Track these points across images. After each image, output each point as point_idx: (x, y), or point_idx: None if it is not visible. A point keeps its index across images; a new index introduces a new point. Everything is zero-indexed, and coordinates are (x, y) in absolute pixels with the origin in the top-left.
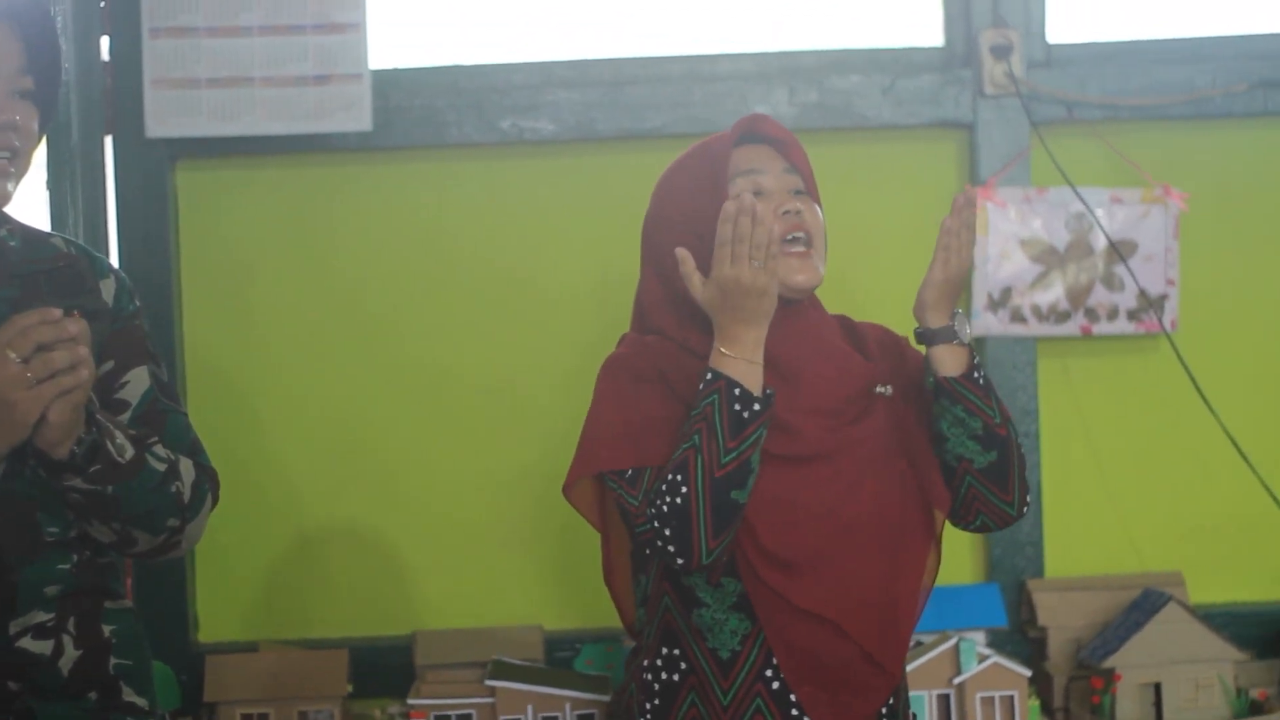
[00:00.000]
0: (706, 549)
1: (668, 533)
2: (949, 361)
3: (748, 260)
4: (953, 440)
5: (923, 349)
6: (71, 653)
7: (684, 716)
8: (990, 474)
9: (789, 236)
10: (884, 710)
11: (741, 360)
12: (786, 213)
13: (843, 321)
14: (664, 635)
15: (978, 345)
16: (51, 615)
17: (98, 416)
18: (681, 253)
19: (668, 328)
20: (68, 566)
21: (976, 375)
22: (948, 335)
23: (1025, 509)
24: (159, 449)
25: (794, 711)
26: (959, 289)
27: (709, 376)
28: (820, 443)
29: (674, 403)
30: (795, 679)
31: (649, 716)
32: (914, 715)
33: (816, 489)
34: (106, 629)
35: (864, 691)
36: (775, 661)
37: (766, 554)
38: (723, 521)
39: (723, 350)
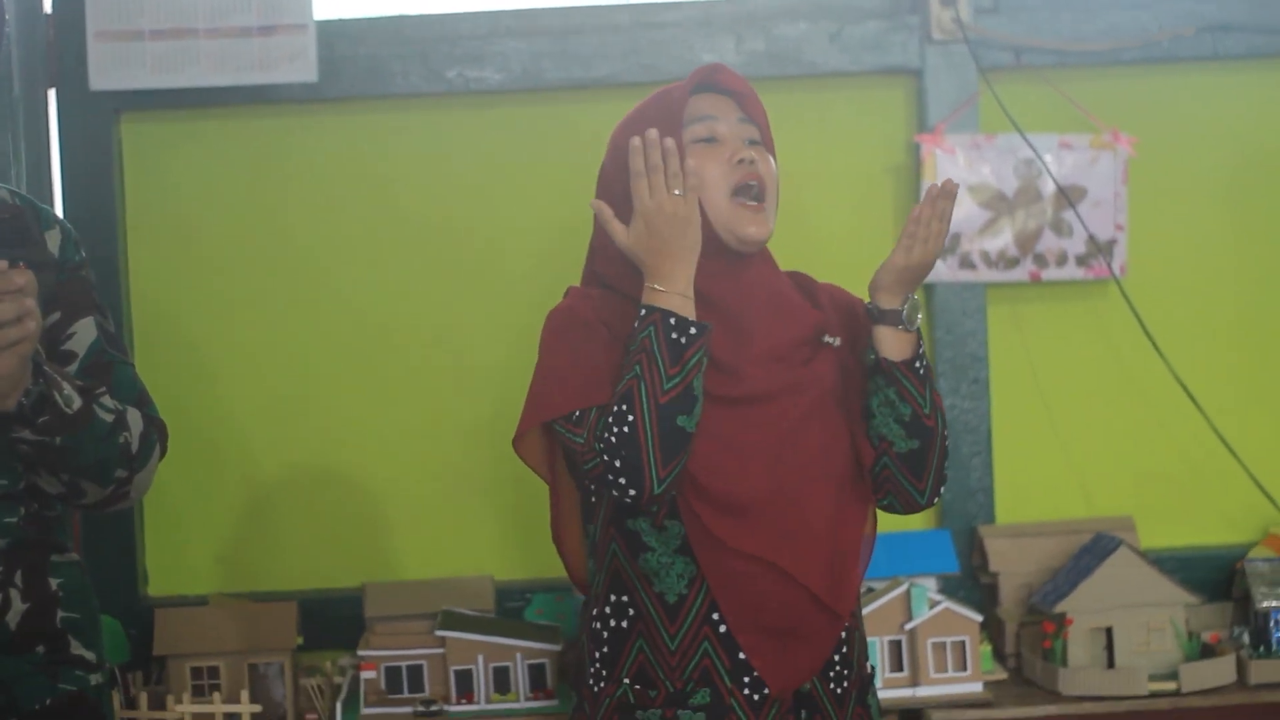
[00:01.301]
0: (657, 477)
1: (617, 463)
2: (892, 344)
3: (665, 189)
4: (879, 419)
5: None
6: (19, 606)
7: (633, 663)
8: (908, 460)
9: (742, 185)
10: (837, 658)
11: (674, 294)
12: (741, 161)
13: (795, 276)
14: (612, 583)
15: (927, 292)
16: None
17: (45, 368)
18: (597, 204)
19: (612, 277)
20: (14, 520)
21: (918, 364)
22: (895, 319)
23: (936, 499)
24: (107, 400)
25: (741, 655)
26: (920, 277)
27: (643, 312)
28: (763, 384)
29: (618, 348)
30: (738, 624)
31: (599, 664)
32: (872, 667)
33: (760, 430)
34: (54, 582)
35: (811, 637)
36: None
37: (707, 497)
38: (671, 448)
39: (655, 287)
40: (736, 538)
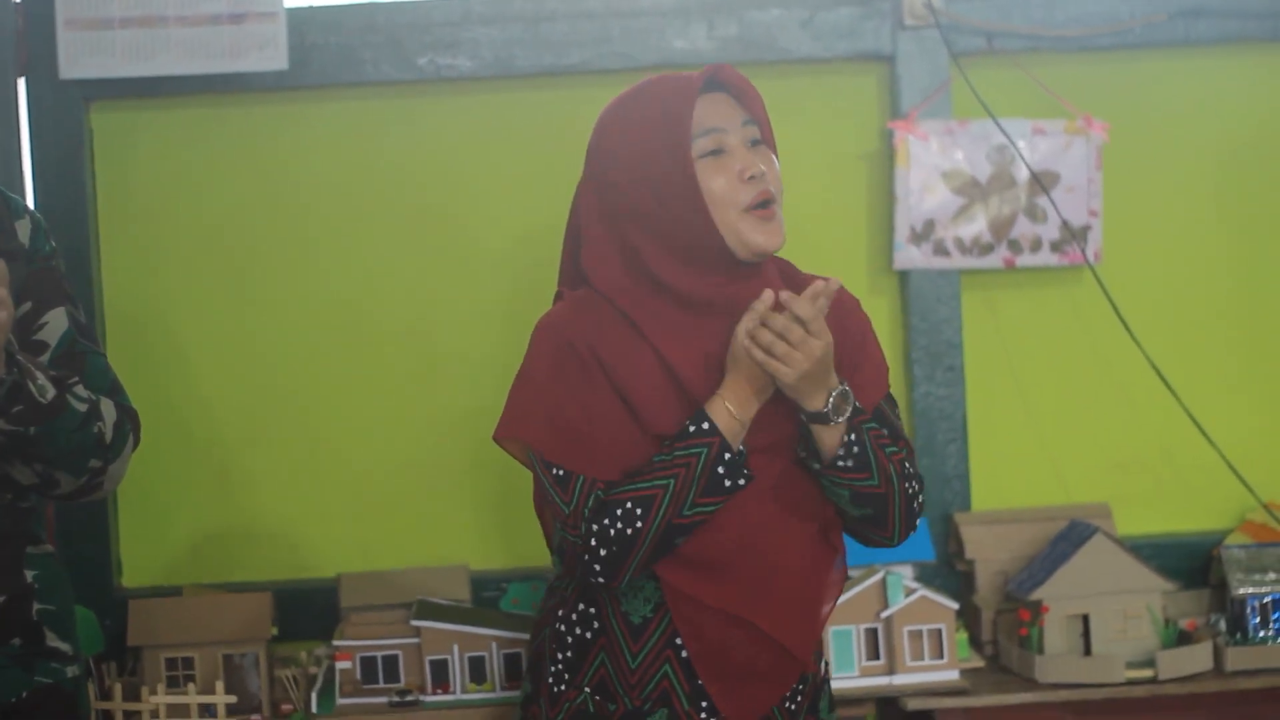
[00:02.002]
0: (630, 579)
1: (602, 553)
2: (825, 439)
3: (792, 350)
4: (827, 490)
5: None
6: None
7: (594, 674)
8: (863, 522)
9: (757, 204)
10: (800, 687)
11: (738, 421)
12: (752, 178)
13: (783, 268)
14: (582, 591)
15: (901, 280)
16: None
17: (19, 357)
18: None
19: (607, 288)
20: None
21: (841, 463)
22: (822, 419)
23: (911, 533)
24: (80, 389)
25: (699, 681)
26: (818, 377)
27: (704, 426)
28: (759, 438)
29: (610, 397)
30: (705, 671)
31: (560, 666)
32: (826, 664)
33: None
34: (29, 574)
35: (770, 681)
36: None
37: (681, 555)
38: (657, 557)
39: (728, 406)
40: (708, 592)
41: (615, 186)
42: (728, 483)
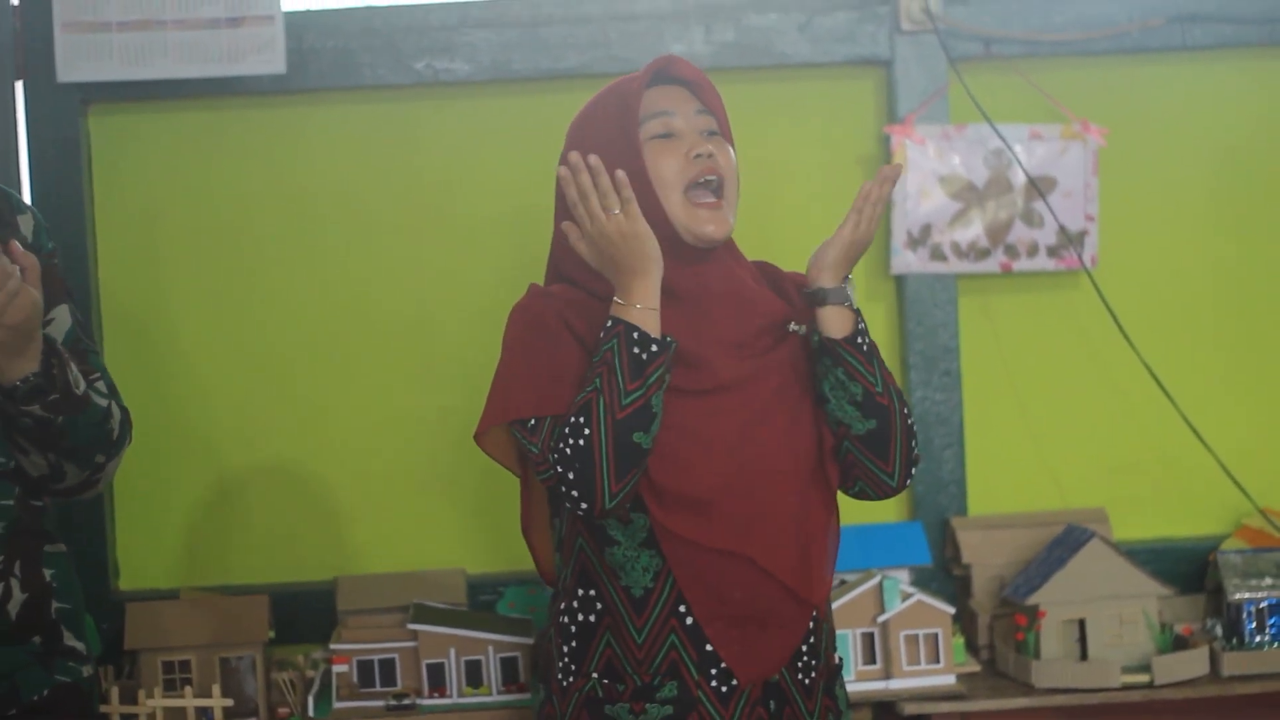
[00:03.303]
0: (609, 492)
1: (571, 476)
2: (835, 323)
3: (603, 212)
4: (833, 403)
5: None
6: (19, 596)
7: (600, 657)
8: (869, 442)
9: (701, 181)
10: (805, 649)
11: (636, 308)
12: (699, 156)
13: (763, 267)
14: (580, 576)
15: (898, 284)
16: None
17: (58, 346)
18: (567, 225)
19: (575, 273)
20: (10, 502)
21: (860, 340)
22: (839, 296)
23: (908, 481)
24: (100, 385)
25: (709, 647)
26: (858, 255)
27: (609, 324)
28: (727, 373)
29: (579, 350)
30: (706, 615)
31: (567, 659)
32: (840, 659)
33: (721, 420)
34: (47, 573)
35: (779, 627)
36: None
37: (671, 495)
38: (625, 464)
39: (618, 301)
40: (702, 533)
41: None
42: (644, 355)
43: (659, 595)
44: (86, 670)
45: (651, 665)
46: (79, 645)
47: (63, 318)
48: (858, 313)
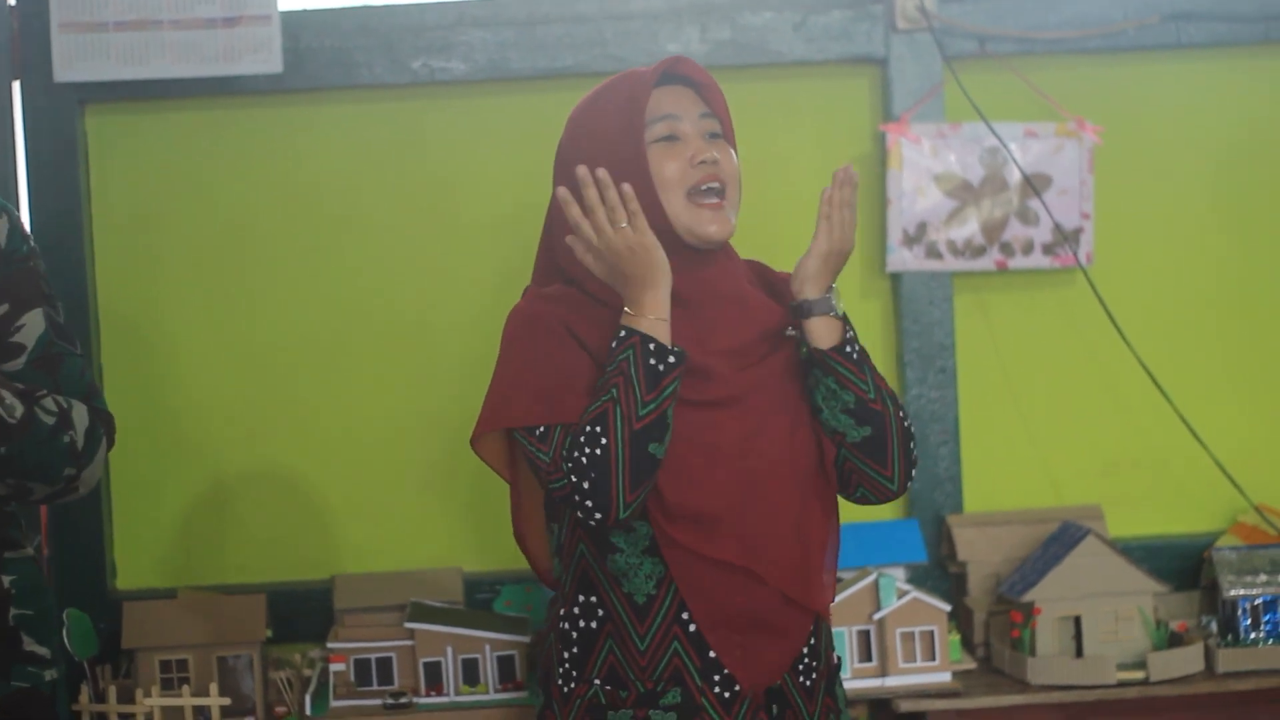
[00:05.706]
0: (624, 502)
1: (586, 485)
2: (823, 334)
3: (610, 225)
4: (827, 413)
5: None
6: None
7: (603, 663)
8: (865, 449)
9: (704, 187)
10: (806, 651)
11: (648, 319)
12: (702, 162)
13: (754, 266)
14: (581, 583)
15: (894, 282)
16: None
17: None
18: (572, 239)
19: (573, 272)
20: None
21: (849, 349)
22: (824, 307)
23: (909, 484)
24: (48, 401)
25: (711, 654)
26: (842, 262)
27: (622, 334)
28: (732, 385)
29: (586, 358)
30: (708, 623)
31: (568, 665)
32: (838, 658)
33: (724, 431)
34: (6, 579)
35: (781, 633)
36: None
37: (675, 506)
38: (640, 475)
39: (629, 312)
40: (705, 545)
41: (570, 157)
42: (661, 367)
43: (661, 602)
44: (50, 674)
45: (655, 672)
46: (41, 650)
47: (34, 322)
48: (846, 320)
